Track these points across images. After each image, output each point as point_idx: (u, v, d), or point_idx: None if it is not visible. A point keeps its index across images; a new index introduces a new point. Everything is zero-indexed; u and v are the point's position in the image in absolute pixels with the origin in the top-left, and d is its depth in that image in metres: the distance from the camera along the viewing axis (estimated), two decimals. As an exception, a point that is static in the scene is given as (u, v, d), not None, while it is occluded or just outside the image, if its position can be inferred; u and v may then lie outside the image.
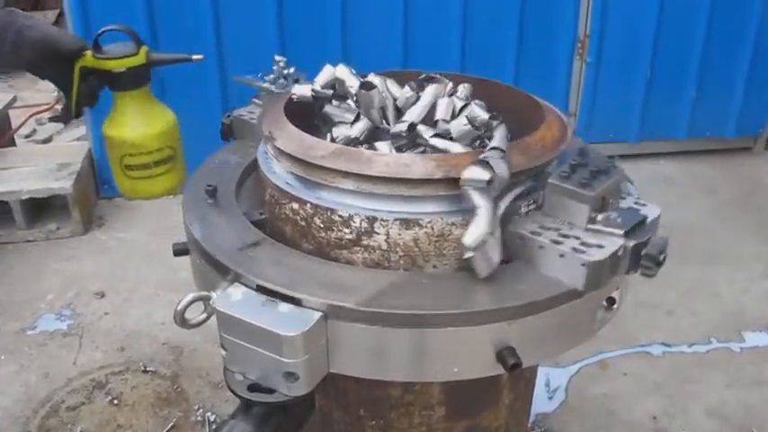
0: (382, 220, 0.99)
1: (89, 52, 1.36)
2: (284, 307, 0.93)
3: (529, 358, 0.97)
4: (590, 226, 0.97)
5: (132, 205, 3.52)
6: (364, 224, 1.00)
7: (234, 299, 0.95)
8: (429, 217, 0.99)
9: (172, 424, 2.16)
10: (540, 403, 2.22)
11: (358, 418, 1.23)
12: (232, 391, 0.96)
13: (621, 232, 0.96)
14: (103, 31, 1.37)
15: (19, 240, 3.16)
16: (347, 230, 1.02)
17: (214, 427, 0.96)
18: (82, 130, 4.09)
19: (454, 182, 0.96)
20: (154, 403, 2.24)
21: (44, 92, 5.04)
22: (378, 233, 1.01)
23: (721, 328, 2.59)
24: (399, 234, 1.00)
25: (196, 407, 2.21)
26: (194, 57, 1.44)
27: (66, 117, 1.46)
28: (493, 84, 1.35)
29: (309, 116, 1.25)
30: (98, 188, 3.58)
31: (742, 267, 2.99)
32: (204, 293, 1.01)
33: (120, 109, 1.43)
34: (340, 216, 1.01)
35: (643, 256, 0.97)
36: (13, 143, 3.86)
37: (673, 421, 2.16)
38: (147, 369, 2.38)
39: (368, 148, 1.11)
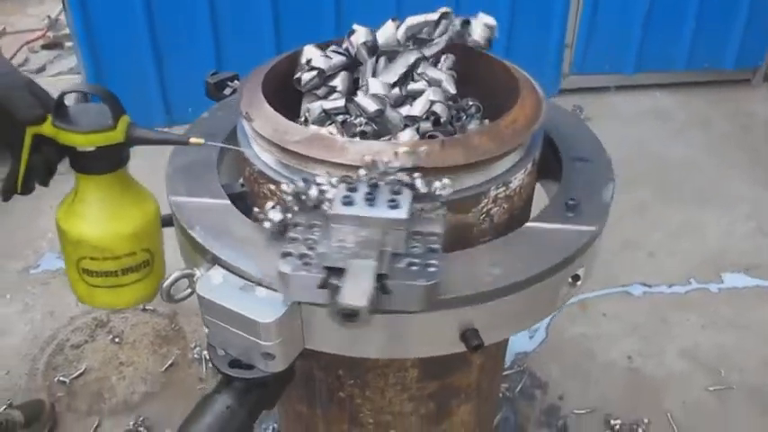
0: (354, 205, 1.03)
1: (49, 117, 1.01)
2: (261, 291, 0.98)
3: (492, 336, 1.04)
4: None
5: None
6: (338, 209, 1.04)
7: (214, 282, 1.00)
8: (399, 203, 1.03)
9: (171, 361, 2.27)
10: (521, 342, 2.33)
11: (337, 377, 1.31)
12: (214, 366, 1.03)
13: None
14: (67, 92, 1.03)
15: (17, 177, 3.20)
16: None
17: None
18: (75, 60, 4.05)
19: (424, 170, 1.00)
20: (153, 341, 2.35)
21: (34, 16, 4.96)
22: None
23: (702, 269, 2.67)
24: (371, 218, 1.04)
25: (193, 345, 2.33)
26: (192, 140, 1.07)
27: (7, 194, 1.08)
28: (468, 51, 1.35)
29: (289, 83, 1.27)
30: (93, 122, 3.58)
31: (729, 208, 3.04)
32: (188, 271, 1.07)
33: (80, 195, 1.10)
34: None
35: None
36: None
37: (647, 362, 2.27)
38: (147, 308, 2.47)
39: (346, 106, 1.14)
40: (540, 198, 1.27)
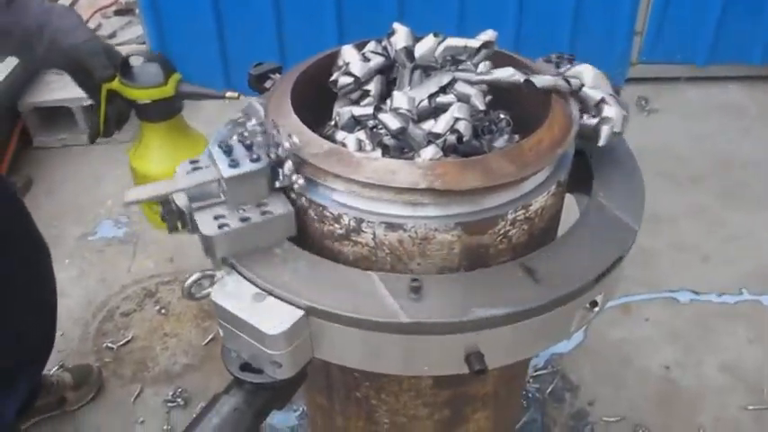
0: (368, 221, 1.04)
1: (117, 75, 1.29)
2: (271, 301, 1.01)
3: (500, 360, 1.04)
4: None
5: (190, 108, 3.62)
6: (353, 223, 1.06)
7: (228, 288, 1.04)
8: (412, 222, 1.03)
9: (212, 336, 2.36)
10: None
11: (354, 378, 1.34)
12: (226, 367, 1.07)
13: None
14: (130, 55, 1.29)
15: (83, 144, 3.35)
16: (338, 226, 1.08)
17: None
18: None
19: (438, 191, 1.00)
20: (197, 315, 2.44)
21: (108, -17, 5.10)
22: (365, 232, 1.06)
23: (756, 280, 2.56)
24: (385, 235, 1.05)
25: (234, 321, 2.40)
26: (228, 94, 1.34)
27: (92, 137, 1.40)
28: (504, 56, 1.32)
29: (325, 80, 1.28)
30: (158, 92, 3.69)
31: (793, 216, 2.90)
32: (209, 272, 1.11)
33: (144, 140, 1.36)
34: (330, 213, 1.07)
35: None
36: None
37: (685, 372, 2.22)
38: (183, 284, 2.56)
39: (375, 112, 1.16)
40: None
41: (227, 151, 1.05)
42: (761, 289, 2.52)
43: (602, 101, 1.18)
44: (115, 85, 1.28)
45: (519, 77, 1.18)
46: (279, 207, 1.06)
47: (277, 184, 1.05)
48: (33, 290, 1.83)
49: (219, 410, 1.02)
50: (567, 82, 1.18)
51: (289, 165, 1.03)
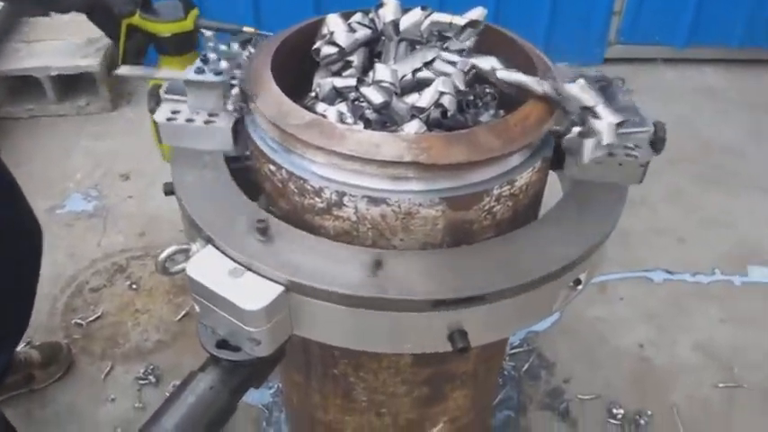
0: (351, 195, 1.01)
1: (138, 11, 1.37)
2: (249, 276, 0.98)
3: (483, 338, 1.03)
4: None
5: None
6: (334, 197, 1.02)
7: (204, 263, 1.00)
8: (396, 196, 1.01)
9: (185, 312, 2.32)
10: (534, 322, 2.30)
11: (332, 355, 1.32)
12: (202, 345, 1.03)
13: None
14: None
15: (51, 114, 3.25)
16: (318, 200, 1.04)
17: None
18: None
19: (423, 165, 0.97)
20: (169, 290, 2.40)
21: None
22: (347, 206, 1.03)
23: (728, 261, 2.59)
24: (367, 209, 1.02)
25: (208, 297, 2.36)
26: (245, 28, 1.43)
27: (111, 71, 1.48)
28: (490, 29, 1.29)
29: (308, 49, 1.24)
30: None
31: (767, 198, 2.93)
32: (184, 246, 1.07)
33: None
34: (311, 186, 1.04)
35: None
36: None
37: (658, 351, 2.24)
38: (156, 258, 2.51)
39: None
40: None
41: (204, 60, 1.13)
42: (732, 270, 2.55)
43: (589, 109, 1.05)
44: (135, 20, 1.37)
45: (496, 71, 1.13)
46: (222, 121, 1.14)
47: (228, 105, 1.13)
48: (20, 272, 1.79)
49: (195, 388, 0.99)
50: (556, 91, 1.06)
51: (236, 91, 1.12)
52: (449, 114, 1.08)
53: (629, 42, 3.83)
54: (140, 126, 3.23)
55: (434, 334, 0.99)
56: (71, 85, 3.30)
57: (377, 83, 1.11)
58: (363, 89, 1.10)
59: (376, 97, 1.08)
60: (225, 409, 1.01)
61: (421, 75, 1.14)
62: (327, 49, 1.21)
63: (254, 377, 1.06)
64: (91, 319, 2.28)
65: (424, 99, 1.08)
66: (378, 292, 0.94)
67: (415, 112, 1.09)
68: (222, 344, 1.03)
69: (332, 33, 1.20)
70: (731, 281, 2.51)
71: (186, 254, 1.07)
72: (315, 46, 1.23)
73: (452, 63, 1.17)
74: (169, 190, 1.23)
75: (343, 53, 1.21)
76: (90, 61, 3.17)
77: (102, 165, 2.98)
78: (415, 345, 1.01)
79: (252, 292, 0.95)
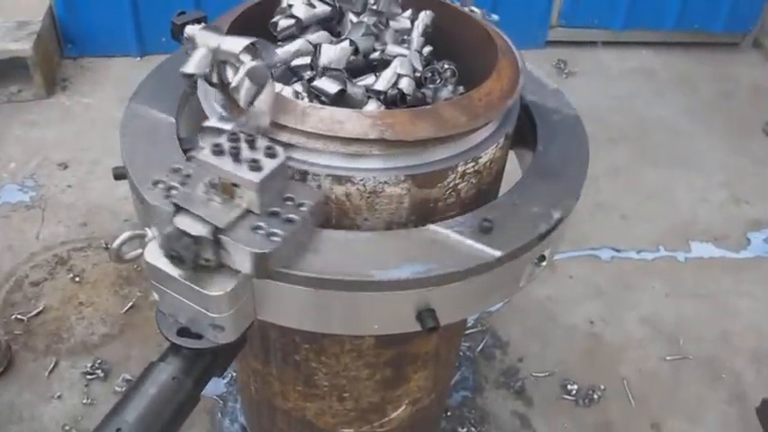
0: (314, 174, 0.99)
1: None
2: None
3: (451, 317, 1.02)
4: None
5: (98, 67, 3.40)
6: (296, 176, 1.00)
7: (162, 248, 0.96)
8: (361, 174, 0.99)
9: (131, 303, 2.24)
10: (487, 302, 2.32)
11: (293, 341, 1.29)
12: (162, 333, 0.99)
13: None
14: None
15: (-20, 102, 3.08)
16: (280, 180, 1.01)
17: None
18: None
19: (388, 142, 0.95)
20: (114, 281, 2.31)
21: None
22: (310, 185, 1.00)
23: (671, 237, 2.67)
24: (331, 188, 1.00)
25: (156, 288, 2.29)
26: None
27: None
28: (453, 10, 1.28)
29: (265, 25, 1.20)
30: (61, 48, 3.44)
31: (704, 174, 3.03)
32: (139, 232, 1.02)
33: None
34: (273, 166, 1.00)
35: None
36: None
37: (608, 327, 2.29)
38: (109, 246, 2.42)
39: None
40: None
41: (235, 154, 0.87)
42: (676, 245, 2.64)
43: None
44: None
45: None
46: (305, 195, 0.91)
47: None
48: None
49: (156, 379, 0.95)
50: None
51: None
52: (408, 99, 1.06)
53: (571, 25, 3.89)
54: (77, 113, 3.10)
55: (402, 314, 0.97)
56: (1, 71, 3.13)
57: (325, 69, 1.08)
58: (316, 83, 1.07)
59: (331, 87, 1.05)
60: (188, 400, 0.97)
61: (374, 56, 1.12)
62: (285, 22, 1.18)
63: (216, 365, 1.02)
64: (32, 314, 2.17)
65: (381, 83, 1.07)
66: (343, 274, 0.92)
67: (372, 94, 1.07)
68: (183, 332, 0.99)
69: (290, 6, 1.16)
70: (674, 257, 2.59)
71: (141, 239, 1.02)
72: (273, 19, 1.20)
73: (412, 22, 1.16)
74: (120, 173, 1.18)
75: (300, 26, 1.18)
76: (22, 45, 3.01)
77: (37, 154, 2.84)
78: (382, 326, 1.00)
79: (215, 278, 0.92)
